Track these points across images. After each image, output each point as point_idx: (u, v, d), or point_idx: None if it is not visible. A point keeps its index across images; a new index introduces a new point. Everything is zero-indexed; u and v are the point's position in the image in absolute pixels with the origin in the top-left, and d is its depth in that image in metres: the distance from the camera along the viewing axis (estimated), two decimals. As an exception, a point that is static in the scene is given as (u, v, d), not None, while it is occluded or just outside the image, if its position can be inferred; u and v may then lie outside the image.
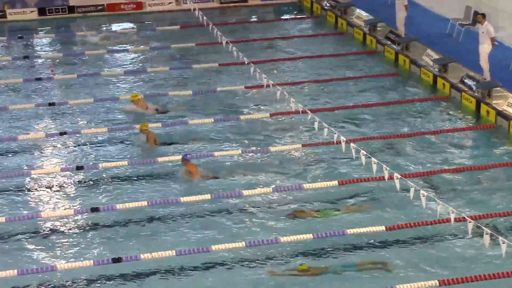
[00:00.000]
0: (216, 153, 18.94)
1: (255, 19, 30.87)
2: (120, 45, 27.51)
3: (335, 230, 15.48)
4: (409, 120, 21.09)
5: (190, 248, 14.90)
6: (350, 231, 15.37)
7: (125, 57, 26.47)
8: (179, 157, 18.32)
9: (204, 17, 25.68)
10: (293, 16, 31.21)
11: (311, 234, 15.28)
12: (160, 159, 18.56)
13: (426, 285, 13.78)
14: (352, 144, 16.94)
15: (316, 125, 18.18)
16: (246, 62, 22.25)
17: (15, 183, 17.91)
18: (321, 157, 18.93)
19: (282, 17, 31.22)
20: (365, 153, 16.55)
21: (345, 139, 17.32)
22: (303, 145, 19.30)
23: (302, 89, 23.33)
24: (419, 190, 14.98)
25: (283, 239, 15.19)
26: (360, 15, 28.68)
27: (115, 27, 29.89)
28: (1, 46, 27.96)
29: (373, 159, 16.12)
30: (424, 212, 15.67)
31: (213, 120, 20.88)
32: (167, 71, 24.89)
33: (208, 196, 16.72)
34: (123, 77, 24.55)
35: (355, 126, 20.76)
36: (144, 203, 16.53)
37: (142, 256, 14.62)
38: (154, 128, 20.18)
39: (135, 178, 18.10)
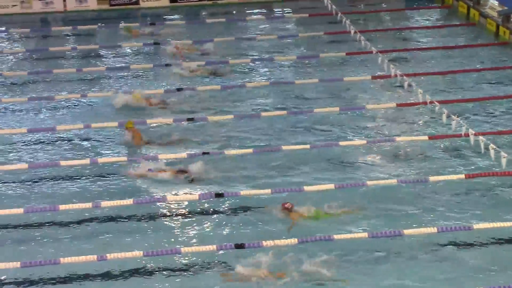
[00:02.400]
0: (341, 143, 18.85)
1: (384, 8, 30.50)
2: (249, 33, 27.76)
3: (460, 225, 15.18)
4: (542, 114, 20.44)
5: (313, 236, 14.90)
6: (477, 226, 14.99)
7: (253, 45, 26.59)
8: (306, 146, 18.44)
9: (333, 6, 25.52)
10: (424, 6, 30.69)
11: (435, 228, 15.01)
12: (285, 147, 18.58)
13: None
14: (481, 137, 16.54)
15: (444, 117, 17.81)
16: (374, 52, 22.02)
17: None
18: (448, 149, 18.55)
19: (412, 7, 30.74)
20: (494, 146, 16.13)
21: (473, 132, 16.92)
22: (430, 137, 18.94)
23: (430, 80, 22.89)
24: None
25: (406, 231, 15.04)
26: (493, 5, 27.92)
27: (244, 15, 30.12)
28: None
29: (502, 153, 15.68)
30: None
31: (338, 109, 20.76)
32: (294, 60, 24.93)
33: (331, 186, 16.63)
34: (250, 64, 24.71)
35: (484, 118, 20.22)
36: (268, 190, 16.61)
37: (264, 243, 14.70)
38: (281, 116, 20.32)
39: (263, 164, 18.17)
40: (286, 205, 15.85)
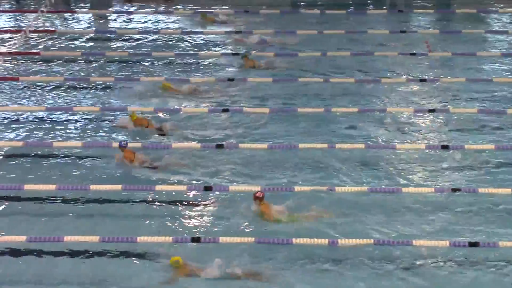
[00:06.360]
0: None
1: None
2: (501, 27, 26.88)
3: None
4: None
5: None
6: None
7: (505, 39, 25.64)
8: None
9: None
10: None
11: None
12: None
13: None
14: None
15: None
16: None
17: (375, 155, 18.08)
18: None
19: None
20: None
21: None
22: None
23: None
24: None
25: None
26: None
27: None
28: (381, 20, 28.33)
29: None
30: None
31: None
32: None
33: None
34: (499, 59, 23.82)
35: None
36: (508, 190, 15.94)
37: (500, 243, 14.13)
38: None
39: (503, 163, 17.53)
40: (257, 194, 15.35)
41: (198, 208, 15.83)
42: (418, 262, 13.98)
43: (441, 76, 22.39)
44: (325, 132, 19.15)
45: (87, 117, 20.08)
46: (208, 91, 21.48)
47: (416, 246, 14.26)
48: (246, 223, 15.22)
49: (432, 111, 20.02)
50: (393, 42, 25.57)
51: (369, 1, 30.10)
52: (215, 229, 15.11)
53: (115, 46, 25.41)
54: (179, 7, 29.35)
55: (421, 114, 19.99)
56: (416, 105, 20.56)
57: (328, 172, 17.24)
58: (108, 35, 26.46)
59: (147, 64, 23.72)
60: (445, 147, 18.04)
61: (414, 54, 24.16)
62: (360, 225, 15.14)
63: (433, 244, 14.30)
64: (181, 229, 15.13)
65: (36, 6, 29.11)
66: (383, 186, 16.45)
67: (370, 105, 20.62)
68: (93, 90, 21.72)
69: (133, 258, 14.22)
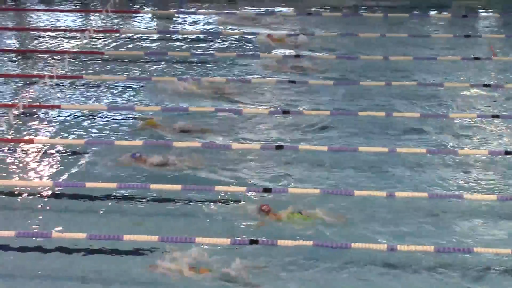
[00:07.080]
0: None
1: None
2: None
3: None
4: None
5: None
6: None
7: None
8: None
9: None
10: None
11: None
12: None
13: None
14: None
15: None
16: None
17: (437, 160, 17.82)
18: None
19: None
20: None
21: None
22: None
23: None
24: None
25: None
26: None
27: None
28: (445, 23, 28.02)
29: None
30: None
31: None
32: None
33: None
34: None
35: None
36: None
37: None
38: None
39: None
40: (263, 207, 15.24)
41: (256, 209, 15.79)
42: (478, 271, 13.78)
43: (506, 82, 22.07)
44: (386, 136, 19.02)
45: (148, 116, 20.22)
46: (268, 92, 21.51)
47: (477, 253, 14.06)
48: (302, 227, 15.16)
49: (496, 116, 19.73)
50: (457, 46, 25.28)
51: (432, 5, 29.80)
52: (273, 231, 15.08)
53: (177, 46, 25.56)
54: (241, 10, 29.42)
55: (485, 120, 19.73)
56: (479, 110, 20.33)
57: (388, 176, 17.11)
58: (171, 35, 26.64)
59: (208, 65, 23.82)
60: (508, 153, 17.76)
61: (478, 58, 23.83)
62: (420, 232, 14.98)
63: (495, 252, 14.07)
64: (238, 231, 15.12)
65: (101, 6, 29.44)
66: (444, 192, 16.25)
67: (432, 110, 20.42)
68: (154, 90, 21.87)
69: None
